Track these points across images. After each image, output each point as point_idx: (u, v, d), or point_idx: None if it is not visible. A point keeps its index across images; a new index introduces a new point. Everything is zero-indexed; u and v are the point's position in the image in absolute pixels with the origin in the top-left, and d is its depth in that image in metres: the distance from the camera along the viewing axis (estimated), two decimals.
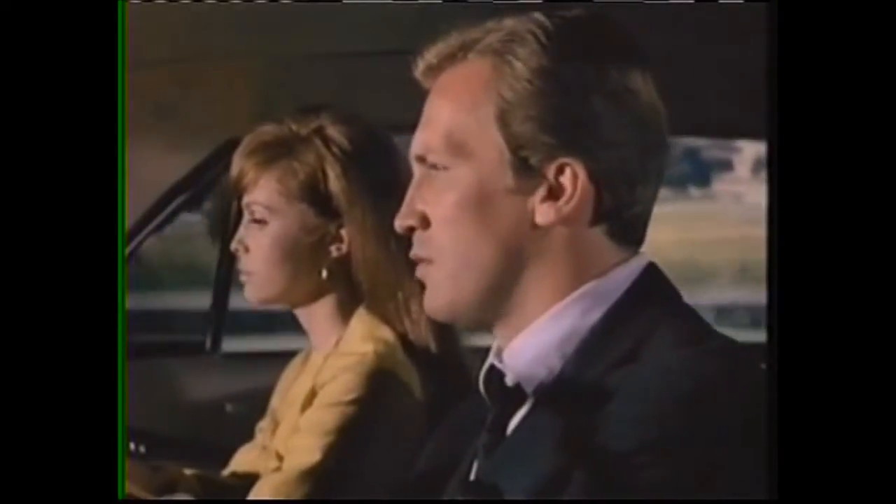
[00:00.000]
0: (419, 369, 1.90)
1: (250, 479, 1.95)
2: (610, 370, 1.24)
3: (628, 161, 1.27)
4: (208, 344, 3.03)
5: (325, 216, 1.94)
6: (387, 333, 1.91)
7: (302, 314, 1.99)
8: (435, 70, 1.32)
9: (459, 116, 1.29)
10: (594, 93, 1.26)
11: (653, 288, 1.30)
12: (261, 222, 1.95)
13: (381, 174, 1.92)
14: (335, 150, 1.93)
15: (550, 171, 1.27)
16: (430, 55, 1.32)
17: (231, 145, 2.04)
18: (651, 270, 1.31)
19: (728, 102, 2.58)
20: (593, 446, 1.16)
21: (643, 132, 1.28)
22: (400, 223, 1.33)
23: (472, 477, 1.33)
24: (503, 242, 1.28)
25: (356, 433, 1.85)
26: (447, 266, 1.30)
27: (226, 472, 2.08)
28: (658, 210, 1.35)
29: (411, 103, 1.35)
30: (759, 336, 1.44)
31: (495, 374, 1.30)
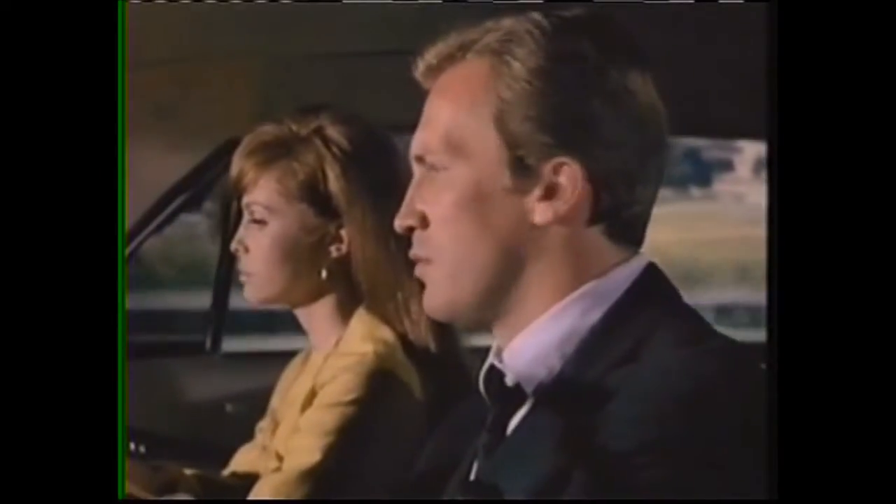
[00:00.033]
0: (419, 369, 1.90)
1: (250, 479, 1.95)
2: (610, 370, 1.24)
3: (626, 161, 1.27)
4: (208, 344, 3.03)
5: (324, 216, 1.94)
6: (387, 334, 1.91)
7: (302, 314, 1.99)
8: (435, 70, 1.32)
9: (458, 116, 1.29)
10: (592, 92, 1.27)
11: (653, 288, 1.31)
12: (260, 222, 1.95)
13: (381, 174, 1.92)
14: (335, 150, 1.93)
15: (548, 171, 1.27)
16: (430, 56, 1.32)
17: (231, 145, 2.04)
18: (651, 270, 1.31)
19: (728, 102, 2.58)
20: (593, 446, 1.16)
21: (642, 132, 1.28)
22: (399, 223, 1.33)
23: (472, 477, 1.33)
24: (501, 242, 1.28)
25: (356, 433, 1.85)
26: (446, 265, 1.30)
27: (226, 472, 2.08)
28: (659, 210, 1.35)
29: (411, 103, 1.35)
30: (759, 336, 1.43)
31: (495, 374, 1.30)
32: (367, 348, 1.89)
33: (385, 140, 1.97)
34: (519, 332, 1.30)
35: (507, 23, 1.30)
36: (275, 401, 2.07)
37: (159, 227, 2.71)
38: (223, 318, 3.03)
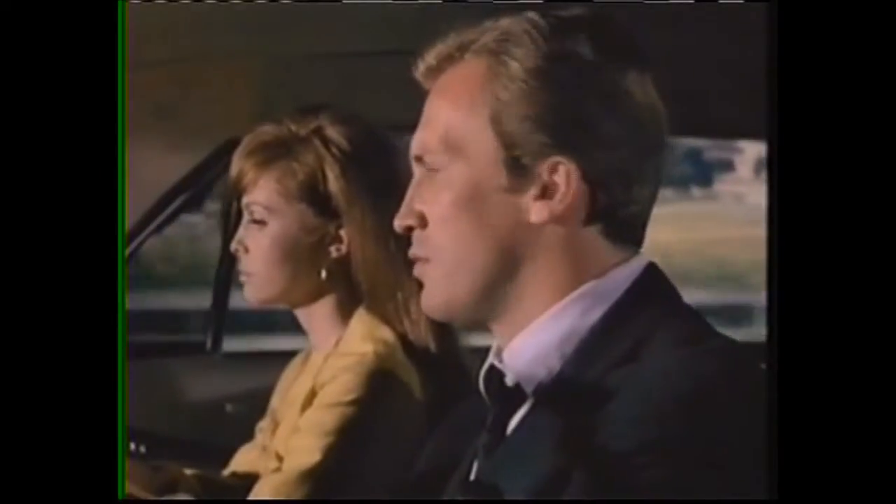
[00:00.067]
0: (419, 369, 1.90)
1: (250, 479, 1.95)
2: (610, 370, 1.24)
3: (623, 161, 1.27)
4: (209, 344, 3.03)
5: (324, 216, 1.94)
6: (387, 334, 1.91)
7: (302, 314, 1.99)
8: (435, 71, 1.33)
9: (455, 116, 1.29)
10: (588, 93, 1.27)
11: (653, 288, 1.30)
12: (260, 223, 1.95)
13: (381, 174, 1.92)
14: (334, 150, 1.93)
15: (544, 170, 1.27)
16: (430, 57, 1.32)
17: (231, 145, 2.04)
18: (651, 270, 1.31)
19: (728, 102, 2.58)
20: (593, 446, 1.15)
21: (639, 132, 1.28)
22: (399, 223, 1.33)
23: (472, 477, 1.33)
24: (498, 241, 1.28)
25: (356, 433, 1.85)
26: (443, 265, 1.30)
27: (226, 472, 2.08)
28: (660, 210, 1.35)
29: (411, 103, 1.35)
30: (758, 336, 1.43)
31: (495, 374, 1.30)
32: (367, 348, 1.89)
33: (385, 140, 1.97)
34: (518, 332, 1.30)
35: (505, 23, 1.30)
36: (275, 401, 2.07)
37: (159, 228, 2.71)
38: (223, 318, 3.03)
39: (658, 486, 1.14)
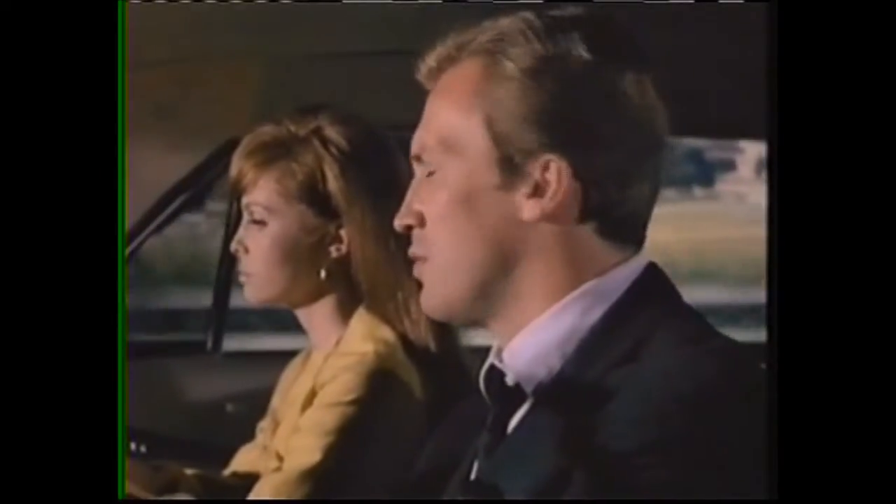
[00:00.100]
0: (419, 369, 1.90)
1: (251, 479, 1.95)
2: (610, 370, 1.24)
3: (618, 160, 1.27)
4: (209, 343, 3.03)
5: (324, 216, 1.94)
6: (387, 333, 1.91)
7: (302, 314, 1.99)
8: (435, 72, 1.33)
9: (452, 116, 1.30)
10: (583, 92, 1.27)
11: (653, 288, 1.31)
12: (260, 223, 1.95)
13: (380, 174, 1.92)
14: (333, 150, 1.93)
15: (536, 169, 1.27)
16: (430, 58, 1.33)
17: (231, 145, 2.04)
18: (652, 270, 1.31)
19: (728, 102, 2.58)
20: (593, 446, 1.16)
21: (635, 133, 1.28)
22: (398, 222, 1.34)
23: (472, 477, 1.33)
24: (492, 240, 1.29)
25: (356, 433, 1.85)
26: (440, 263, 1.30)
27: (227, 472, 2.08)
28: (661, 210, 1.35)
29: (411, 103, 1.36)
30: (759, 336, 1.43)
31: (495, 374, 1.30)
32: (368, 348, 1.89)
33: (384, 140, 1.97)
34: (517, 332, 1.30)
35: (501, 23, 1.30)
36: (275, 400, 2.07)
37: (160, 227, 2.71)
38: (224, 318, 3.03)
39: (658, 486, 1.14)
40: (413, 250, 1.33)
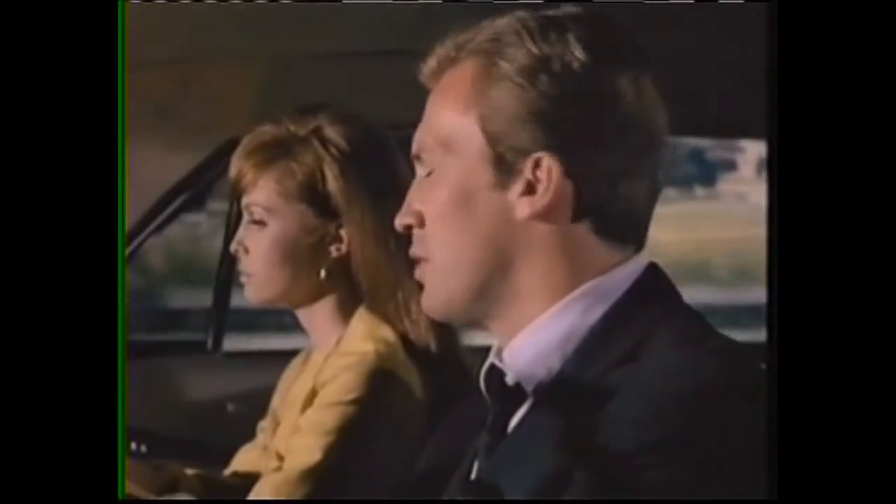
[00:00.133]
0: (419, 369, 1.90)
1: (251, 478, 1.95)
2: (610, 370, 1.24)
3: (611, 158, 1.27)
4: (209, 343, 3.03)
5: (324, 216, 1.94)
6: (387, 333, 1.91)
7: (302, 314, 1.99)
8: (437, 73, 1.34)
9: (449, 116, 1.30)
10: (576, 91, 1.27)
11: (653, 288, 1.31)
12: (260, 223, 1.95)
13: (380, 174, 1.92)
14: (333, 150, 1.93)
15: (527, 167, 1.27)
16: (432, 60, 1.34)
17: (231, 145, 2.04)
18: (652, 270, 1.31)
19: (728, 102, 2.58)
20: (593, 446, 1.16)
21: (630, 131, 1.28)
22: (399, 222, 1.34)
23: (472, 476, 1.33)
24: (488, 239, 1.29)
25: (357, 433, 1.85)
26: (440, 264, 1.31)
27: (227, 471, 2.08)
28: (662, 210, 1.35)
29: (411, 103, 1.36)
30: (759, 336, 1.43)
31: (496, 374, 1.30)
32: (368, 347, 1.89)
33: (383, 139, 1.97)
34: (517, 332, 1.30)
35: (498, 23, 1.30)
36: (276, 400, 2.07)
37: (160, 227, 2.71)
38: (224, 317, 3.03)
39: (658, 486, 1.14)
40: (414, 250, 1.33)
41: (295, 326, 2.04)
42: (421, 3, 2.25)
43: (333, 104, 1.99)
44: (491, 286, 1.29)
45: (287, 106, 2.00)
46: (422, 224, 1.32)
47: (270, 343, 3.40)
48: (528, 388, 1.28)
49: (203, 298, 3.10)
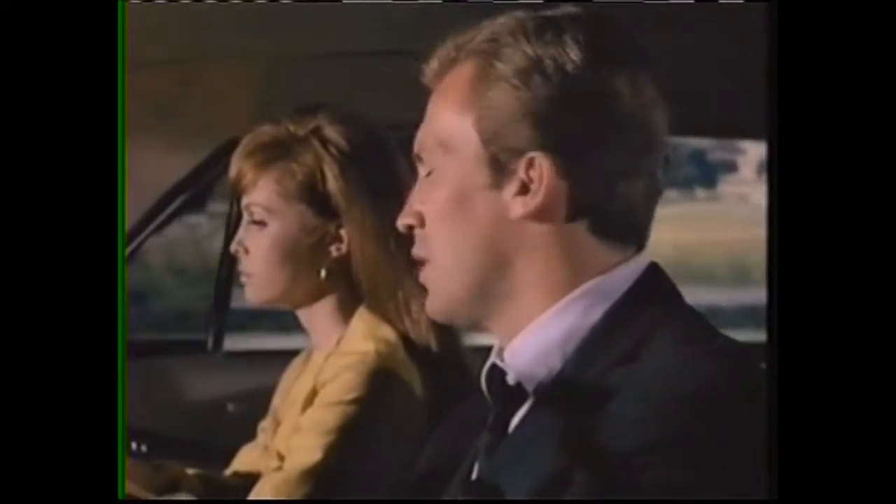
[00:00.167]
0: (420, 368, 1.90)
1: (252, 478, 1.95)
2: (611, 369, 1.24)
3: (607, 158, 1.27)
4: (210, 343, 3.03)
5: (324, 216, 1.94)
6: (388, 333, 1.91)
7: (303, 314, 1.99)
8: (439, 74, 1.34)
9: (447, 116, 1.31)
10: (572, 92, 1.27)
11: (654, 288, 1.31)
12: (260, 223, 1.95)
13: (380, 174, 1.92)
14: (333, 150, 1.93)
15: (521, 167, 1.28)
16: (434, 61, 1.34)
17: (231, 145, 2.04)
18: (653, 270, 1.31)
19: (728, 102, 2.58)
20: (594, 446, 1.16)
21: (627, 131, 1.28)
22: (401, 222, 1.34)
23: (473, 476, 1.33)
24: (485, 239, 1.29)
25: (357, 432, 1.85)
26: (439, 264, 1.31)
27: (228, 471, 2.08)
28: (663, 211, 1.35)
29: (411, 103, 1.36)
30: (759, 336, 1.43)
31: (497, 373, 1.30)
32: (369, 347, 1.89)
33: (384, 140, 1.97)
34: (517, 331, 1.30)
35: (495, 23, 1.31)
36: (276, 400, 2.07)
37: (160, 228, 2.71)
38: (224, 317, 3.03)
39: (659, 486, 1.14)
40: (415, 251, 1.34)
41: (295, 326, 2.04)
42: (421, 3, 2.25)
43: (333, 104, 1.99)
44: (490, 286, 1.30)
45: (287, 106, 2.00)
46: (422, 224, 1.32)
47: (270, 343, 3.40)
48: (529, 387, 1.28)
49: (203, 298, 3.10)
